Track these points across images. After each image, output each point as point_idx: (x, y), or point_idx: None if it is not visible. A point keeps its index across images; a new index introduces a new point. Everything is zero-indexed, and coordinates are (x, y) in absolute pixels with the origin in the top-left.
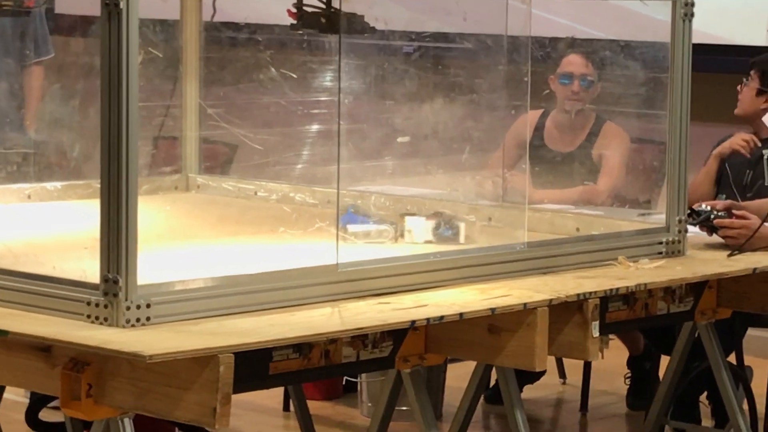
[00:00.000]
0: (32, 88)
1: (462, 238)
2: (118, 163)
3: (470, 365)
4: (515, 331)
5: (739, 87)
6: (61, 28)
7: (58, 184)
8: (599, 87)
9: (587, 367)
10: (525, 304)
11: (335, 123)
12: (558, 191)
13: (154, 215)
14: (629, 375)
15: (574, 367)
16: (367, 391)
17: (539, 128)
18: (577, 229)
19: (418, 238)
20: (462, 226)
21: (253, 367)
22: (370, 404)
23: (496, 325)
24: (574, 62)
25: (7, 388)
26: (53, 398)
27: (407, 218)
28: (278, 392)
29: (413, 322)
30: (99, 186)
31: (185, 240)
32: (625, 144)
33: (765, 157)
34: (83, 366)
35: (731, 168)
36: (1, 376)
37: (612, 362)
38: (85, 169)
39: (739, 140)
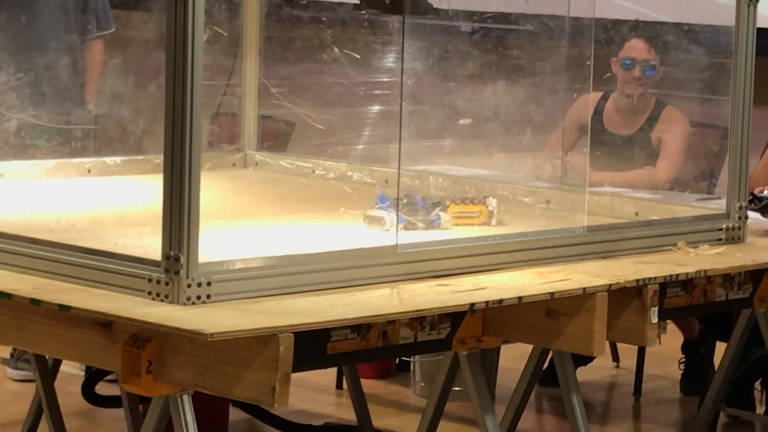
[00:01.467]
0: (94, 63)
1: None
2: (182, 141)
3: (522, 347)
4: (574, 316)
5: None
6: (121, 2)
7: (118, 159)
8: (661, 71)
9: (641, 351)
10: (584, 289)
11: (396, 104)
12: (617, 174)
13: (213, 192)
14: (683, 360)
15: (627, 350)
16: (420, 370)
17: (599, 111)
18: (636, 214)
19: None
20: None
21: (312, 346)
22: (422, 384)
23: (554, 309)
24: (636, 47)
25: (64, 361)
26: (110, 372)
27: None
28: (332, 370)
29: (472, 304)
30: (158, 161)
31: (245, 218)
32: (685, 128)
33: None
34: (144, 342)
35: None
36: (62, 350)
37: (666, 347)
38: (145, 144)
39: None
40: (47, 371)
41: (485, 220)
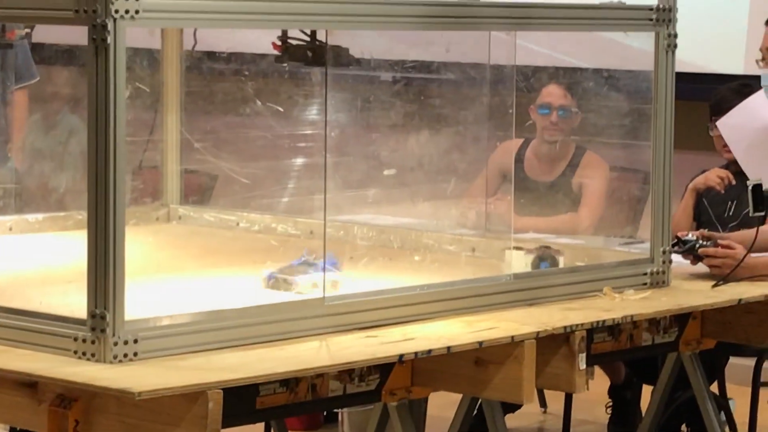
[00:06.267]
0: (16, 118)
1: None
2: (105, 197)
3: (450, 394)
4: (502, 364)
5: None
6: (42, 58)
7: (40, 216)
8: (579, 117)
9: (568, 396)
10: (512, 337)
11: (320, 156)
12: (540, 219)
13: (137, 248)
14: (610, 404)
15: (554, 395)
16: (348, 421)
17: (520, 158)
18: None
19: None
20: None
21: (240, 401)
22: None
23: (482, 358)
24: (552, 93)
25: None
26: None
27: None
28: (259, 423)
29: (401, 356)
30: (80, 217)
31: (170, 273)
32: (606, 174)
33: (750, 187)
34: (70, 402)
35: (710, 203)
36: None
37: (593, 391)
38: (67, 201)
39: (714, 176)
40: None
41: None
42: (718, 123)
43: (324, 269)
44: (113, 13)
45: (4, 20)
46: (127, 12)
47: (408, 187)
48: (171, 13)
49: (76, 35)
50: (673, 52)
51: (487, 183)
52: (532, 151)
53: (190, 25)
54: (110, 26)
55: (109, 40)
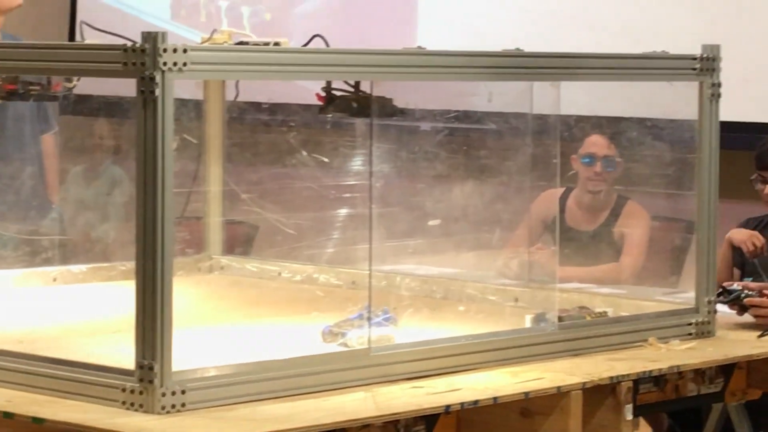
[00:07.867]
0: (49, 167)
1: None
2: (153, 249)
3: None
4: (549, 415)
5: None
6: (85, 110)
7: (84, 267)
8: (622, 167)
9: None
10: (559, 388)
11: (363, 206)
12: (582, 269)
13: (181, 298)
14: None
15: None
16: None
17: (561, 207)
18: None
19: None
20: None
21: None
22: None
23: (529, 408)
24: (596, 143)
25: None
26: None
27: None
28: None
29: (448, 406)
30: (123, 268)
31: (215, 323)
32: (647, 223)
33: None
34: None
35: None
36: None
37: None
38: (111, 251)
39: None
40: None
41: None
42: None
43: (369, 320)
44: (161, 65)
45: (52, 73)
46: (175, 64)
47: (451, 237)
48: (218, 65)
49: (118, 87)
50: (717, 102)
51: (529, 232)
52: (574, 200)
53: (236, 77)
54: (158, 79)
55: (158, 92)
